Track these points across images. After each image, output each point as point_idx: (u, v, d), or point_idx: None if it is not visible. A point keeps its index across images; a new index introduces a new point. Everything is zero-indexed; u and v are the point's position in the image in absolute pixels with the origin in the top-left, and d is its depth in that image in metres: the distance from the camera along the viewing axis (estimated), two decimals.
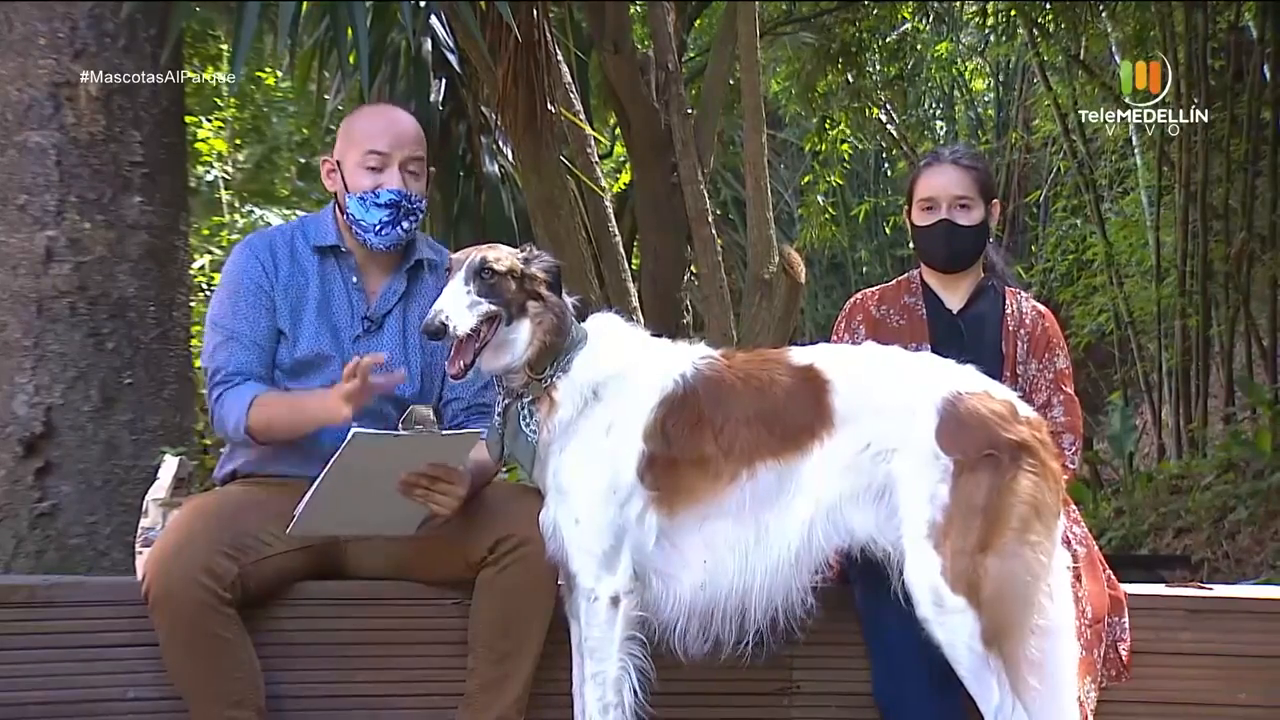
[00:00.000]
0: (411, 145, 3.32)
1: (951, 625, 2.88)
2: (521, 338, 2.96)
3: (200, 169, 11.32)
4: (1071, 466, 3.48)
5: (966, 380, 3.02)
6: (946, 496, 2.89)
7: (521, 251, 3.03)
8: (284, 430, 3.19)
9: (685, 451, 2.95)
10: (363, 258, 3.37)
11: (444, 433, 3.08)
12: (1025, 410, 3.05)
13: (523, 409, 3.00)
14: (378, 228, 3.28)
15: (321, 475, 2.94)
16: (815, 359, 3.04)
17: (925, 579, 2.88)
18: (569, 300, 3.06)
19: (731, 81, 8.32)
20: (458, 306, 2.87)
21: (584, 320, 3.10)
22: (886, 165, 16.52)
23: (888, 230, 15.65)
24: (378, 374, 3.09)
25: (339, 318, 3.33)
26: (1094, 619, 3.30)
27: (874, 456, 2.95)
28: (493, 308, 2.91)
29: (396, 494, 3.03)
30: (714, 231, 6.88)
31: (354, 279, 3.36)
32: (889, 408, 2.96)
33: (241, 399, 3.20)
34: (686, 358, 3.05)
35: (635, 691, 2.97)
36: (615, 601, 2.94)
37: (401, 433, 3.00)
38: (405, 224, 3.31)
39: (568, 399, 2.97)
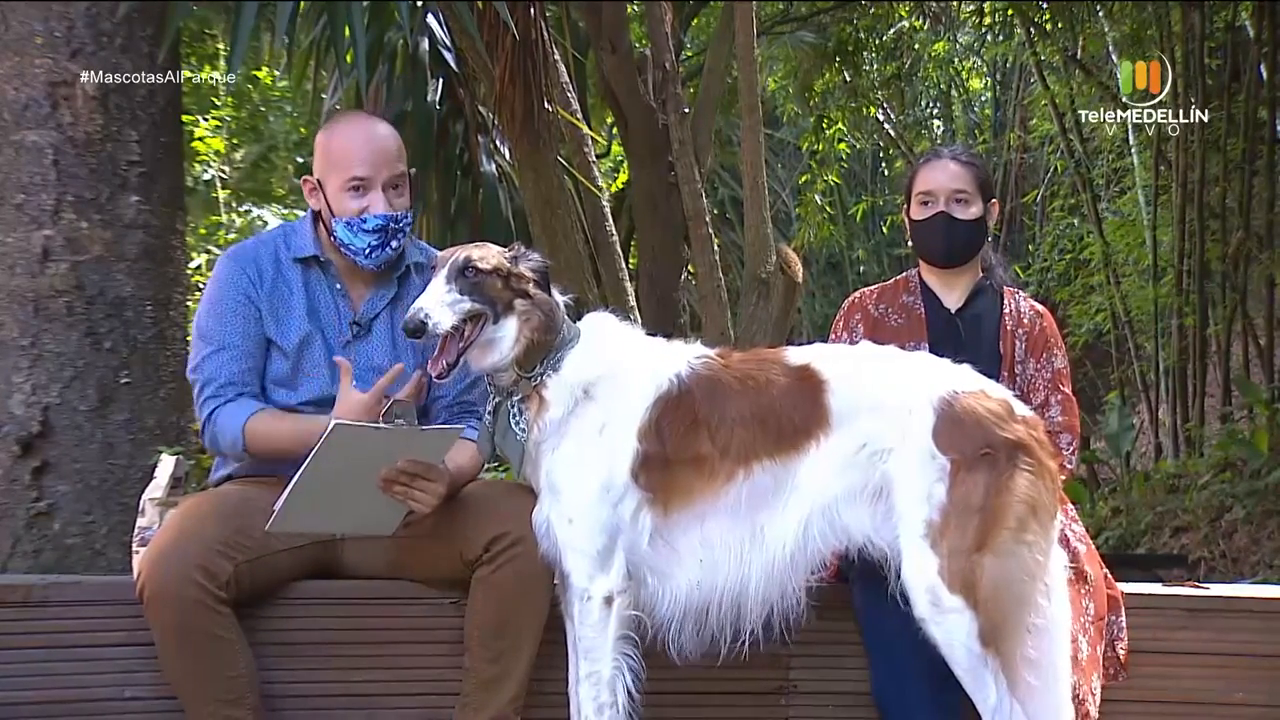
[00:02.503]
0: (392, 163, 3.29)
1: (949, 625, 2.88)
2: (508, 336, 2.95)
3: (197, 168, 11.32)
4: (1069, 466, 3.48)
5: (963, 379, 3.03)
6: (943, 496, 2.89)
7: (510, 250, 3.03)
8: (286, 446, 3.17)
9: (680, 451, 2.94)
10: (345, 267, 3.37)
11: (425, 428, 3.08)
12: (1021, 409, 3.05)
13: (512, 407, 3.00)
14: (367, 251, 3.28)
15: (301, 468, 2.94)
16: (812, 359, 3.04)
17: (922, 579, 2.88)
18: (561, 299, 3.06)
19: (729, 81, 8.33)
20: (438, 304, 2.87)
21: (579, 319, 3.10)
22: (884, 164, 16.53)
23: (885, 230, 15.65)
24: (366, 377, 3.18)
25: (326, 324, 3.33)
26: (1096, 615, 3.31)
27: (870, 456, 2.95)
28: (476, 306, 2.91)
29: (376, 491, 3.03)
30: (711, 231, 6.90)
31: (337, 285, 3.36)
32: (885, 407, 2.96)
33: (236, 417, 3.20)
34: (682, 357, 3.04)
35: (630, 691, 2.96)
36: (609, 601, 2.94)
37: (383, 426, 3.00)
38: (394, 243, 3.31)
39: (558, 398, 2.97)
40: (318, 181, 3.32)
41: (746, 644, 3.00)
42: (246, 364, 3.26)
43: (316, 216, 3.39)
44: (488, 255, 2.97)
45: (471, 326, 2.92)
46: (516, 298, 2.96)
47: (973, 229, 3.59)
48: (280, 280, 3.33)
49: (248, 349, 3.27)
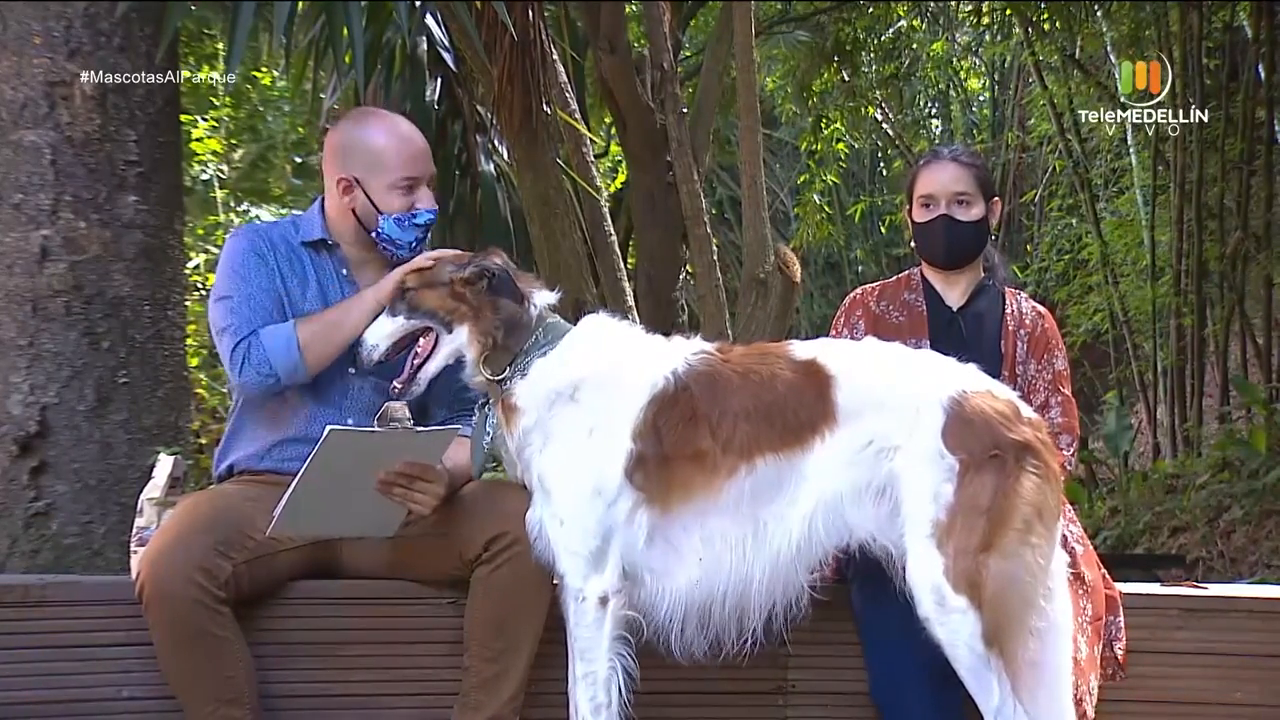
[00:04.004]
0: (431, 162, 3.40)
1: (953, 625, 2.86)
2: (463, 343, 3.01)
3: (196, 168, 11.33)
4: (1068, 468, 3.48)
5: (971, 379, 3.01)
6: (951, 496, 2.87)
7: (465, 257, 3.07)
8: (337, 323, 3.18)
9: (680, 448, 2.92)
10: (355, 256, 3.39)
11: (421, 429, 3.08)
12: (1028, 411, 3.04)
13: (487, 411, 3.04)
14: (412, 245, 3.32)
15: (300, 474, 2.95)
16: (818, 353, 3.01)
17: (928, 578, 2.87)
18: (540, 301, 3.06)
19: (727, 80, 8.33)
20: (373, 329, 3.05)
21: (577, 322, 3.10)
22: (882, 164, 16.54)
23: (883, 229, 15.66)
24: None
25: None
26: (1094, 616, 3.31)
27: (877, 454, 2.93)
28: (413, 323, 3.03)
29: (375, 493, 3.04)
30: (709, 231, 6.89)
31: (343, 271, 3.38)
32: (894, 405, 2.94)
33: (282, 325, 3.19)
34: (679, 354, 3.02)
35: (623, 690, 2.95)
36: (604, 601, 2.93)
37: (379, 429, 3.01)
38: (428, 236, 3.39)
39: (527, 404, 2.98)
40: (355, 179, 3.32)
41: (750, 642, 2.99)
42: (274, 312, 3.25)
43: (323, 204, 3.41)
44: (423, 270, 3.06)
45: (426, 342, 3.02)
46: (461, 304, 3.00)
47: (974, 230, 3.58)
48: (292, 255, 3.36)
49: (272, 301, 3.27)
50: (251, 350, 3.19)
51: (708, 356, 3.02)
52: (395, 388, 3.03)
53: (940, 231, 3.57)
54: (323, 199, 3.44)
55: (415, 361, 3.03)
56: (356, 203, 3.33)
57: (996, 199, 3.66)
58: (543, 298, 3.08)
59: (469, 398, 3.35)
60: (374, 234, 3.32)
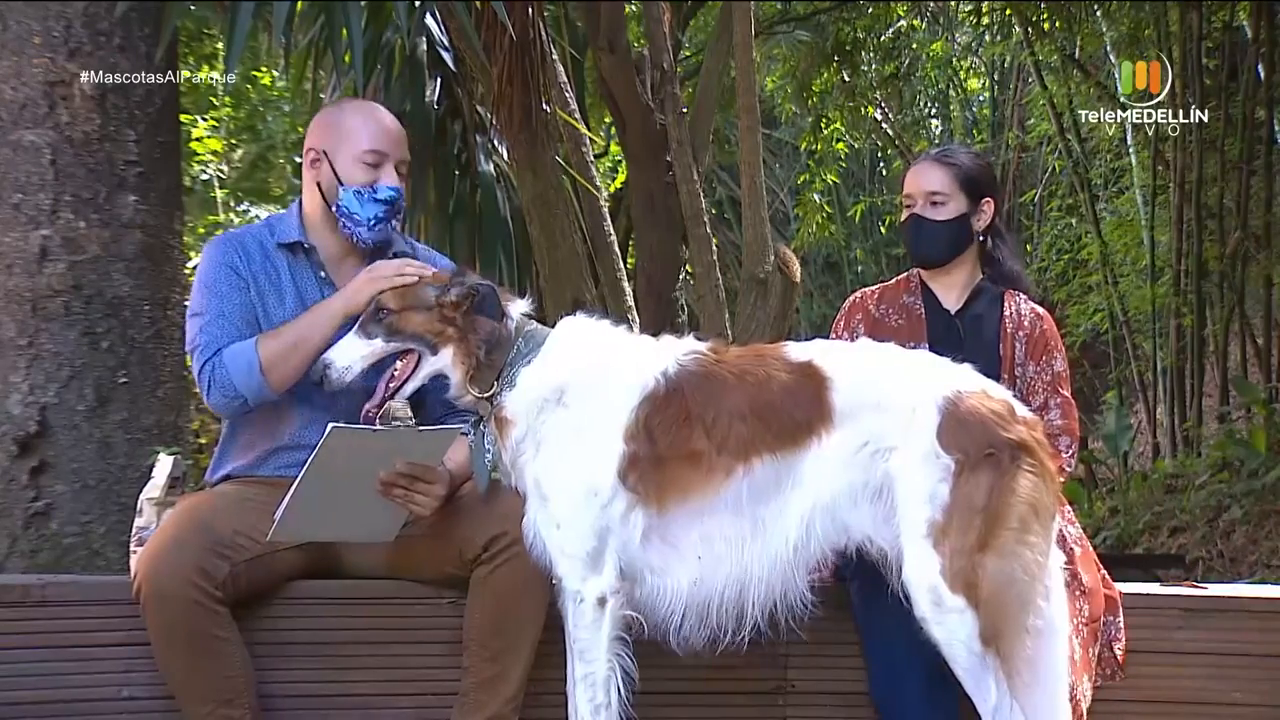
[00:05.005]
0: (404, 148, 3.37)
1: (950, 625, 2.87)
2: (448, 364, 3.00)
3: (195, 168, 11.33)
4: (1068, 469, 3.48)
5: (965, 379, 3.01)
6: (947, 496, 2.87)
7: (445, 278, 3.05)
8: (299, 341, 3.12)
9: (673, 449, 2.93)
10: (332, 254, 3.37)
11: (423, 429, 3.07)
12: (1022, 410, 3.04)
13: (484, 429, 3.04)
14: (371, 223, 3.28)
15: (300, 476, 2.94)
16: (814, 355, 3.02)
17: (924, 578, 2.87)
18: (517, 313, 3.06)
19: (727, 81, 8.33)
20: (343, 352, 2.98)
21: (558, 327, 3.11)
22: (882, 164, 16.53)
23: (883, 230, 15.66)
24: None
25: None
26: (1090, 617, 3.30)
27: (873, 454, 2.93)
28: (393, 345, 2.99)
29: (376, 496, 3.03)
30: (709, 231, 6.89)
31: (321, 273, 3.35)
32: (889, 406, 2.94)
33: (244, 345, 3.16)
34: (669, 354, 3.01)
35: (622, 691, 2.95)
36: (602, 602, 2.93)
37: (380, 428, 3.00)
38: (394, 222, 3.35)
39: (518, 414, 2.98)
40: (323, 152, 3.31)
41: (747, 639, 2.99)
42: (243, 328, 3.23)
43: (302, 204, 3.40)
44: (404, 293, 3.02)
45: (405, 364, 3.00)
46: (449, 326, 2.99)
47: (945, 229, 3.57)
48: (268, 263, 3.32)
49: (245, 317, 3.25)
50: (216, 372, 3.17)
51: (700, 357, 3.02)
52: (369, 412, 2.99)
53: (909, 231, 3.61)
54: (301, 199, 3.43)
55: (392, 385, 3.01)
56: (322, 176, 3.31)
57: (988, 199, 3.63)
58: (517, 307, 3.09)
59: None
60: (334, 208, 3.30)
